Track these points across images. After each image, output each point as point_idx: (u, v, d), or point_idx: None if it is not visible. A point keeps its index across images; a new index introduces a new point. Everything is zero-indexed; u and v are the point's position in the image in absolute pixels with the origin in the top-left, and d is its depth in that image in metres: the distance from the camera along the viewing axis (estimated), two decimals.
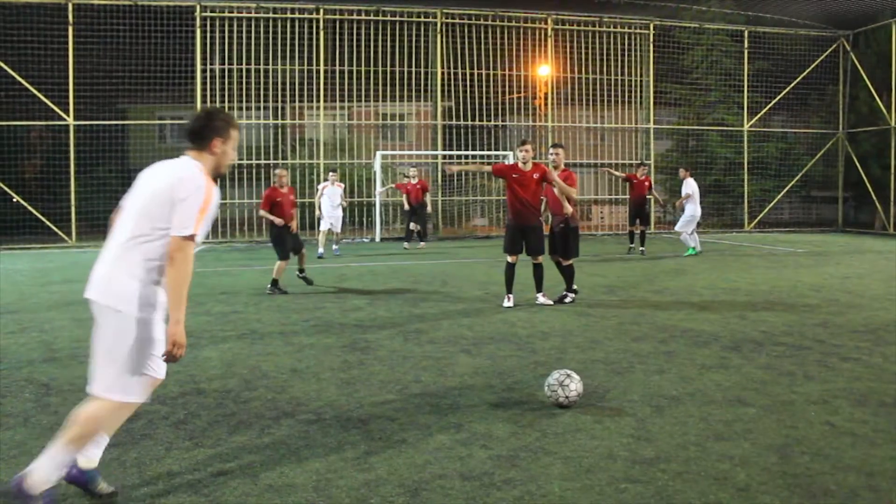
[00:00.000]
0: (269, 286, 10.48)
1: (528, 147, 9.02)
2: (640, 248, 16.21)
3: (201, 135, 3.59)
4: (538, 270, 9.14)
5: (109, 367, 3.38)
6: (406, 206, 18.29)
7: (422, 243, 18.35)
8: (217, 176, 3.68)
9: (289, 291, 10.47)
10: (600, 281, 11.33)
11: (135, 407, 3.58)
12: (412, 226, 18.26)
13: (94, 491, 3.50)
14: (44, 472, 3.29)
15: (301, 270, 11.00)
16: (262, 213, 10.74)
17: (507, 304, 9.02)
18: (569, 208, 9.17)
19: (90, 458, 3.52)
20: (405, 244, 18.06)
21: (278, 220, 10.48)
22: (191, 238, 3.37)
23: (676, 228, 15.93)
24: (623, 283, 11.21)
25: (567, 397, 4.79)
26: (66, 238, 19.57)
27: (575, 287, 9.45)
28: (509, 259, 9.07)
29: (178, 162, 3.56)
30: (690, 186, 15.84)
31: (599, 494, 3.52)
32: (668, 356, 6.35)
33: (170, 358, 3.42)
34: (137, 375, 3.44)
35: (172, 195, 3.36)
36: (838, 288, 10.57)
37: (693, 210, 15.81)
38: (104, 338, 3.39)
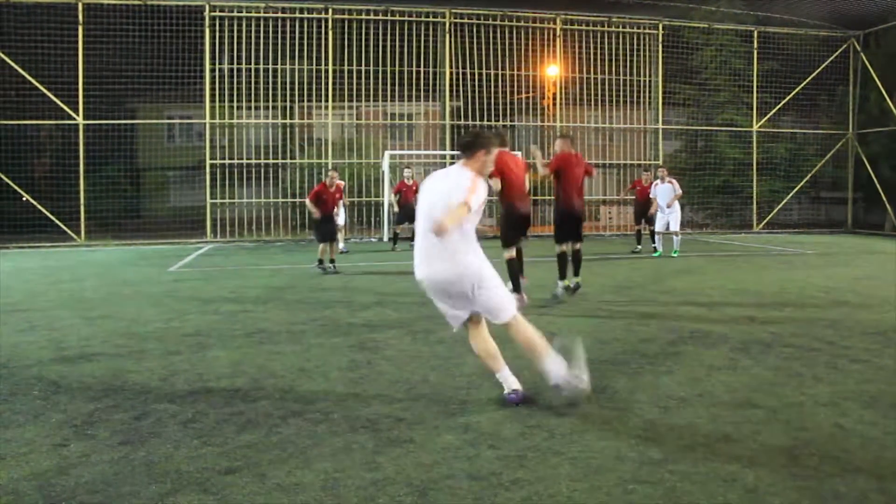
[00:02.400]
0: (316, 265, 12.89)
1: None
2: (653, 245, 16.17)
3: (470, 148, 5.05)
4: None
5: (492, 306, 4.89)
6: (396, 209, 18.08)
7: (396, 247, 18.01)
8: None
9: (338, 270, 12.88)
10: (608, 281, 11.31)
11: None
12: (399, 228, 18.19)
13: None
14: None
15: (331, 261, 12.92)
16: (308, 203, 12.76)
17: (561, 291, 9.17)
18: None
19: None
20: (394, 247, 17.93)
21: (316, 213, 12.69)
22: (464, 204, 4.61)
23: (673, 228, 15.76)
24: (631, 284, 11.18)
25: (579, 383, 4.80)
26: (75, 237, 19.64)
27: (523, 282, 9.18)
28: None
29: (454, 168, 5.08)
30: (676, 186, 15.76)
31: (607, 495, 3.51)
32: (677, 357, 6.33)
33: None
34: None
35: (454, 192, 4.73)
36: (848, 289, 10.53)
37: (668, 210, 15.74)
38: (469, 294, 4.82)
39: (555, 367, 4.81)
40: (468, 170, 4.96)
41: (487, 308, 4.87)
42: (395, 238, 18.18)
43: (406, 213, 18.01)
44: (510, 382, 4.99)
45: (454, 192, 4.71)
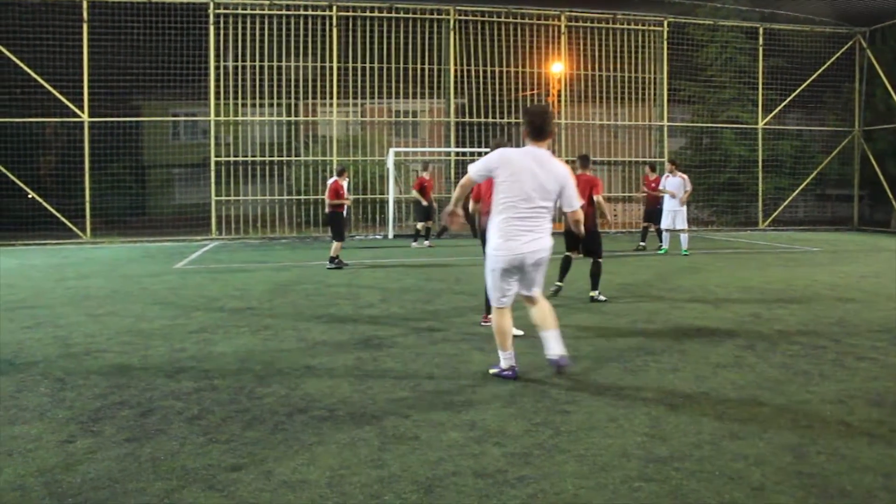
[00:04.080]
0: (329, 264, 13.04)
1: None
2: (659, 244, 16.12)
3: (545, 130, 5.31)
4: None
5: (540, 282, 5.47)
6: (425, 203, 18.05)
7: (427, 242, 18.06)
8: None
9: (349, 264, 13.39)
10: (614, 279, 11.28)
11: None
12: (422, 225, 18.13)
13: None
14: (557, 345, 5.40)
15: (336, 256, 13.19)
16: (333, 201, 13.19)
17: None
18: None
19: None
20: (426, 242, 17.83)
21: (347, 202, 13.56)
22: (580, 208, 5.41)
23: (679, 227, 15.51)
24: (637, 282, 11.17)
25: None
26: (80, 234, 19.67)
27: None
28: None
29: (542, 155, 5.28)
30: (687, 182, 15.53)
31: (613, 493, 3.50)
32: (683, 354, 6.32)
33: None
34: None
35: (561, 180, 5.24)
36: (854, 287, 10.50)
37: (676, 205, 15.53)
38: (540, 272, 5.40)
39: (555, 342, 5.40)
40: (546, 151, 5.35)
41: (534, 281, 5.43)
42: (417, 235, 18.10)
43: (427, 210, 18.06)
44: (511, 361, 5.51)
45: (566, 180, 5.27)
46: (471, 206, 8.04)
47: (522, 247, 5.18)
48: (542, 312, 5.48)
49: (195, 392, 5.20)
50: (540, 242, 5.24)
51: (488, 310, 7.44)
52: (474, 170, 5.35)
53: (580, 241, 9.37)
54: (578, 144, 23.09)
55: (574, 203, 5.31)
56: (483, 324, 7.62)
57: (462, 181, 5.44)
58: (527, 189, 5.15)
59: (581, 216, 5.41)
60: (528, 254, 5.20)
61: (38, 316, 8.35)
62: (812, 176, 25.07)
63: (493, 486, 3.58)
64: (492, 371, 5.62)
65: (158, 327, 7.64)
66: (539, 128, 5.29)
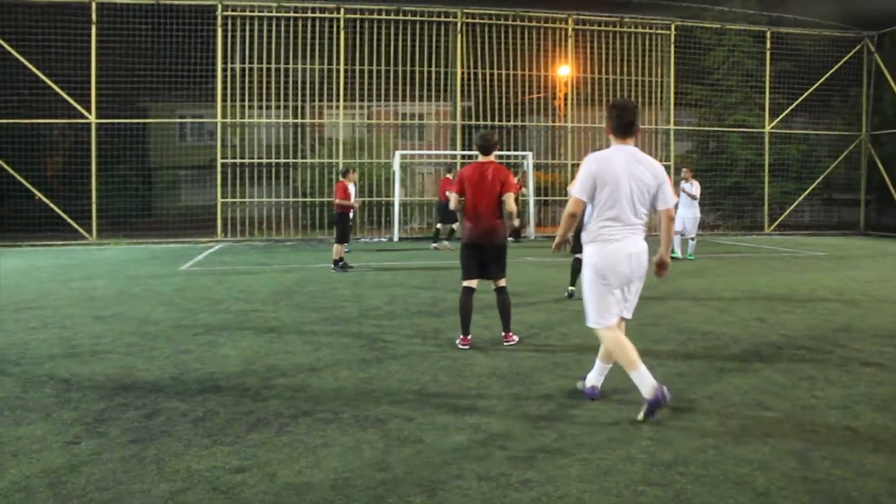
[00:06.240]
0: (333, 266, 13.06)
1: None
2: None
3: (635, 125, 4.91)
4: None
5: (634, 302, 5.11)
6: (459, 206, 18.25)
7: (446, 242, 18.08)
8: None
9: (354, 267, 13.41)
10: None
11: None
12: (444, 227, 18.14)
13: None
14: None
15: (341, 259, 13.21)
16: (342, 201, 13.02)
17: None
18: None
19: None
20: (447, 243, 17.79)
21: (356, 203, 13.92)
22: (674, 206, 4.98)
23: (689, 233, 15.37)
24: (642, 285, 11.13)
25: None
26: (86, 235, 19.73)
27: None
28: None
29: (636, 152, 4.87)
30: (696, 188, 15.43)
31: (617, 497, 3.50)
32: (687, 358, 6.31)
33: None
34: None
35: (660, 176, 4.87)
36: (860, 292, 10.46)
37: (696, 212, 15.44)
38: (639, 284, 5.08)
39: (599, 374, 5.20)
40: (636, 147, 4.95)
41: (634, 298, 5.11)
42: (447, 234, 18.09)
43: (452, 212, 18.21)
44: (651, 381, 4.63)
45: (664, 176, 4.89)
46: (452, 202, 7.34)
47: (628, 248, 4.83)
48: (615, 345, 4.95)
49: (200, 394, 5.21)
50: (641, 244, 4.89)
51: (507, 327, 6.96)
52: (586, 194, 4.84)
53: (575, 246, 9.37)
54: (585, 148, 23.04)
55: (670, 200, 4.92)
56: (505, 343, 6.87)
57: (571, 209, 4.89)
58: (629, 193, 4.78)
59: (675, 214, 5.05)
60: (634, 255, 4.83)
61: (44, 316, 8.37)
62: (819, 180, 25.01)
63: (496, 489, 3.58)
64: (641, 417, 4.65)
65: (163, 329, 7.66)
66: (630, 123, 4.87)
